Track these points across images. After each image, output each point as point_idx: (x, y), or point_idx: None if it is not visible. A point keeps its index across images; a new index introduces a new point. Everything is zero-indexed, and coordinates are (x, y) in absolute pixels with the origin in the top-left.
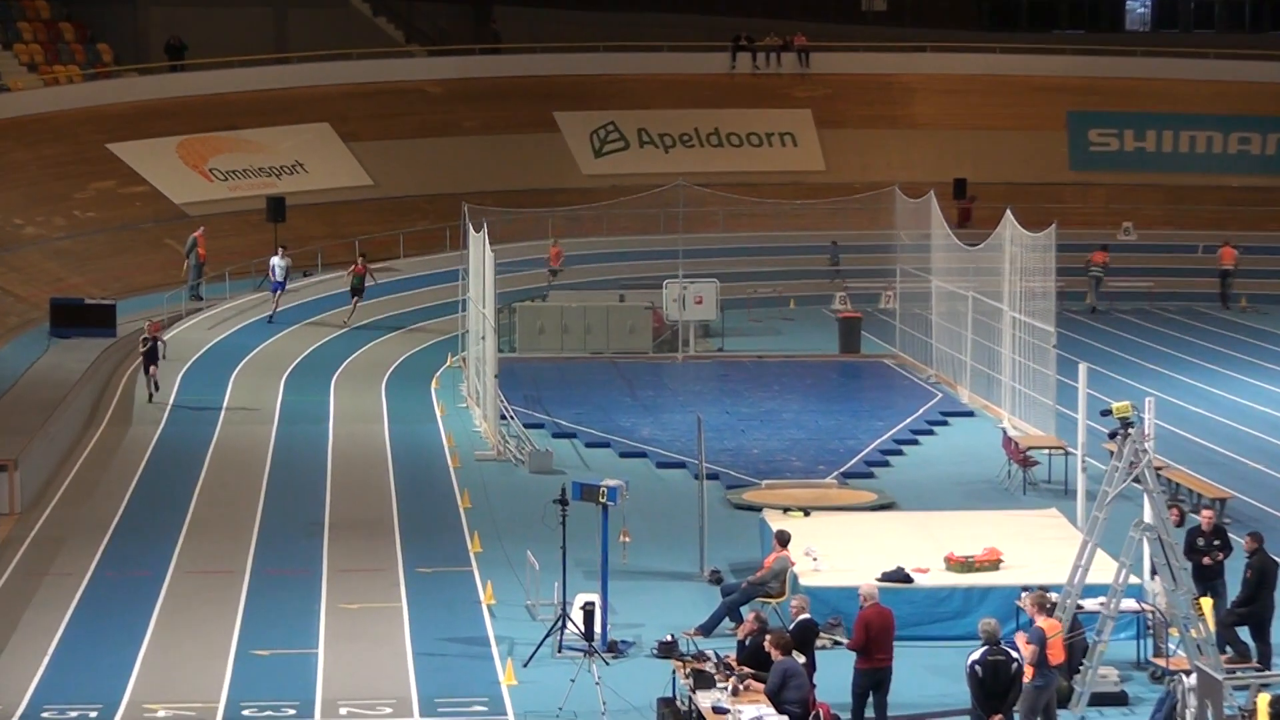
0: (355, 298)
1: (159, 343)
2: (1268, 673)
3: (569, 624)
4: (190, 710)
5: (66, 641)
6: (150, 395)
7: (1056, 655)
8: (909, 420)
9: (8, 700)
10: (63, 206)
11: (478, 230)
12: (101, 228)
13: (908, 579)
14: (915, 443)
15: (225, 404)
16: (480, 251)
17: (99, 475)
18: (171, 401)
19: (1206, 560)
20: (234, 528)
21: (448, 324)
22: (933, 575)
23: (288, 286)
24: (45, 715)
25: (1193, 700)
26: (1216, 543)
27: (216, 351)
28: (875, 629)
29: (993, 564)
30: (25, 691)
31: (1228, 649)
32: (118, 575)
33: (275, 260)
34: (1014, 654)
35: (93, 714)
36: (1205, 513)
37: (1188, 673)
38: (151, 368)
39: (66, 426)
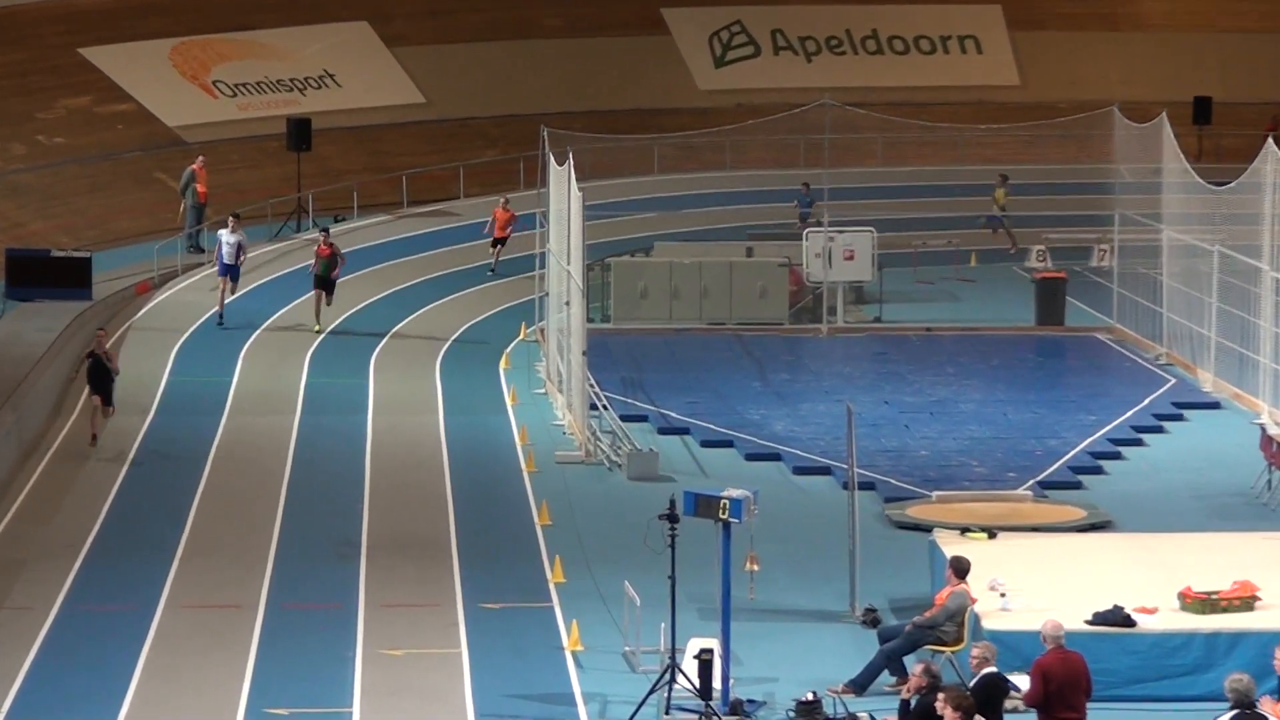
0: (322, 291)
1: (108, 361)
2: None
3: (679, 678)
4: None
5: (25, 695)
6: (93, 437)
7: None
8: (1131, 413)
9: None
10: (23, 130)
11: (561, 163)
12: (73, 157)
13: (1129, 621)
14: (1139, 443)
15: (233, 387)
16: (564, 190)
17: (70, 479)
18: (164, 384)
19: None
20: (244, 549)
21: (522, 285)
22: (1163, 617)
23: (243, 269)
24: None
25: None
26: None
27: (221, 321)
28: (1058, 680)
29: (1245, 602)
30: None
31: None
32: (93, 610)
33: (224, 235)
34: None
35: None
36: None
37: None
38: (98, 401)
39: (28, 416)
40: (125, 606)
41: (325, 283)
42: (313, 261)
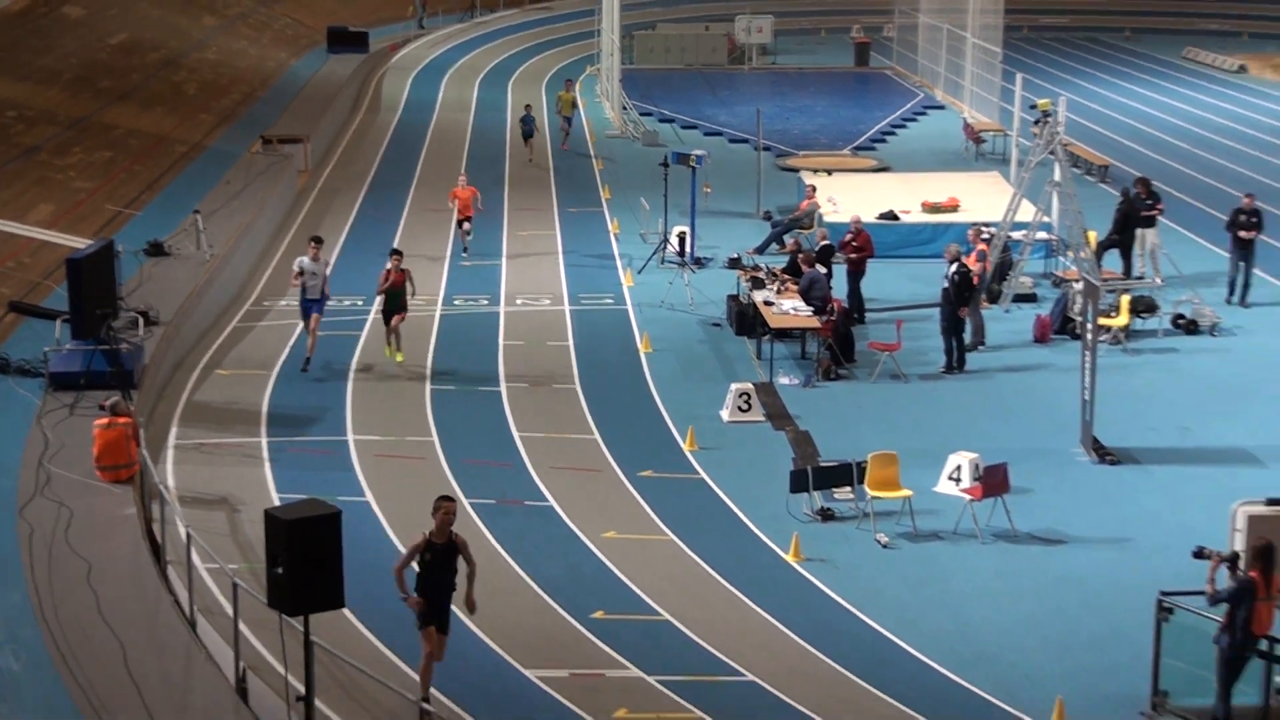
0: (398, 315)
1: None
2: (1128, 281)
3: (668, 245)
4: (428, 296)
5: (345, 245)
6: None
7: (978, 273)
8: (900, 111)
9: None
10: None
11: None
12: None
13: (896, 217)
14: (904, 127)
15: (440, 100)
16: None
17: (360, 147)
18: (404, 98)
19: (1239, 233)
20: (448, 179)
21: (589, 45)
22: (913, 215)
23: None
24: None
25: (1079, 299)
26: (1254, 220)
27: (435, 63)
28: (863, 238)
29: (953, 208)
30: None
31: (1102, 266)
32: (373, 217)
33: (305, 263)
34: (971, 269)
35: (360, 300)
36: (1247, 198)
37: (1076, 281)
38: None
39: (338, 114)
40: (389, 212)
41: (398, 307)
42: (379, 290)
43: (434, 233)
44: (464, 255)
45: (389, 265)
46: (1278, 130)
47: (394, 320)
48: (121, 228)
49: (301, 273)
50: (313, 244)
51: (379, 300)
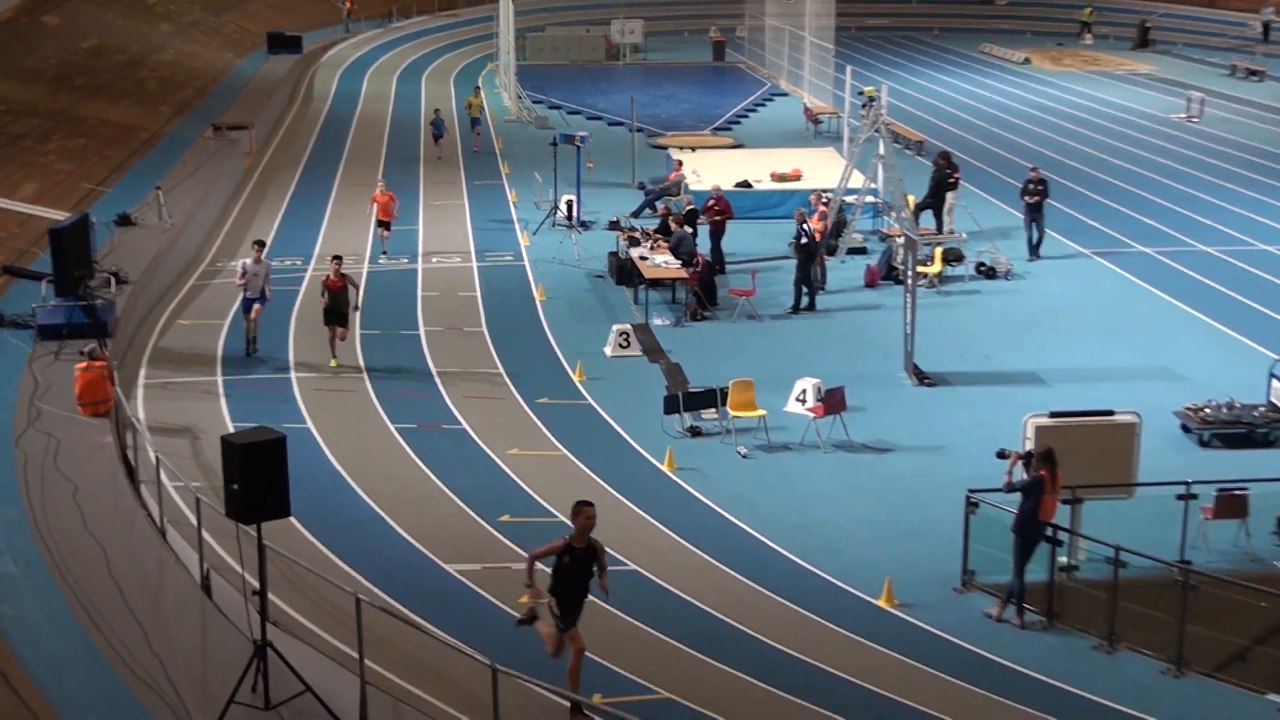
0: (336, 326)
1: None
2: (939, 236)
3: (558, 211)
4: (356, 256)
5: (285, 215)
6: None
7: (819, 230)
8: (751, 98)
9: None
10: None
11: None
12: None
13: (749, 185)
14: (755, 111)
15: (363, 92)
16: (506, 5)
17: (297, 132)
18: (333, 90)
19: (1029, 199)
20: (372, 159)
21: (488, 44)
22: (764, 183)
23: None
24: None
25: (901, 251)
26: (1040, 188)
27: (358, 62)
28: (722, 203)
29: (796, 178)
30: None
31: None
32: (308, 191)
33: (248, 265)
34: (815, 227)
35: (299, 261)
36: (1032, 170)
37: (899, 236)
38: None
39: (277, 105)
40: (323, 186)
41: (338, 316)
42: (322, 295)
43: (360, 205)
44: (383, 254)
45: (329, 271)
46: (1055, 111)
47: (337, 332)
48: (95, 202)
49: (244, 273)
50: (255, 247)
51: (322, 297)
